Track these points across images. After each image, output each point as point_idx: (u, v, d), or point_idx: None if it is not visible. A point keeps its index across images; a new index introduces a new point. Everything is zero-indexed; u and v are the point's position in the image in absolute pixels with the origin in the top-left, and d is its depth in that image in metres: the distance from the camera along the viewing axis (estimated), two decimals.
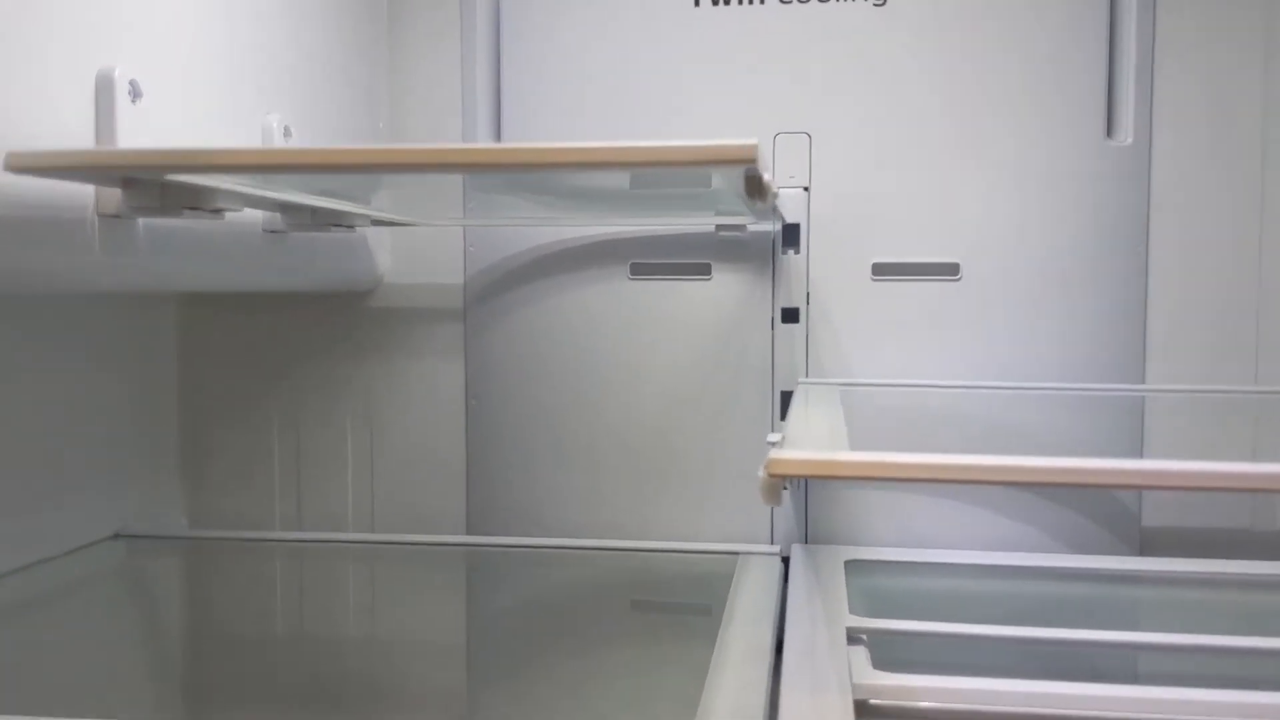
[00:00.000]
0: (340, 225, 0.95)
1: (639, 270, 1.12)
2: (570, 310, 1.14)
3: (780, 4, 1.08)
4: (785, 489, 1.10)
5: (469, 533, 1.17)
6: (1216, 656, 0.80)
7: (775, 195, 0.81)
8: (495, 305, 1.15)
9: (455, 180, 1.01)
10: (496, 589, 1.01)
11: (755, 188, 0.59)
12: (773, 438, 0.77)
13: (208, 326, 1.22)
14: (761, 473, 0.63)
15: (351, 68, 1.10)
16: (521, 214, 1.17)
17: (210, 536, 1.16)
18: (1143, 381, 1.07)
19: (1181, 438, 1.05)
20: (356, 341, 1.20)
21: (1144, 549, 1.08)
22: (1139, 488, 1.05)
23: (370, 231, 1.14)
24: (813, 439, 0.65)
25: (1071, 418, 1.06)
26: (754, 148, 0.55)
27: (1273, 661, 0.80)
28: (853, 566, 1.01)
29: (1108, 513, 1.08)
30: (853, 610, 0.86)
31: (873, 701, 0.69)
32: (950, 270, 1.08)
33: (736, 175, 0.58)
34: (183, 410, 1.23)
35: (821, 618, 0.84)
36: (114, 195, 0.68)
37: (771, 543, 1.10)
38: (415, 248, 1.18)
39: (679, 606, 1.07)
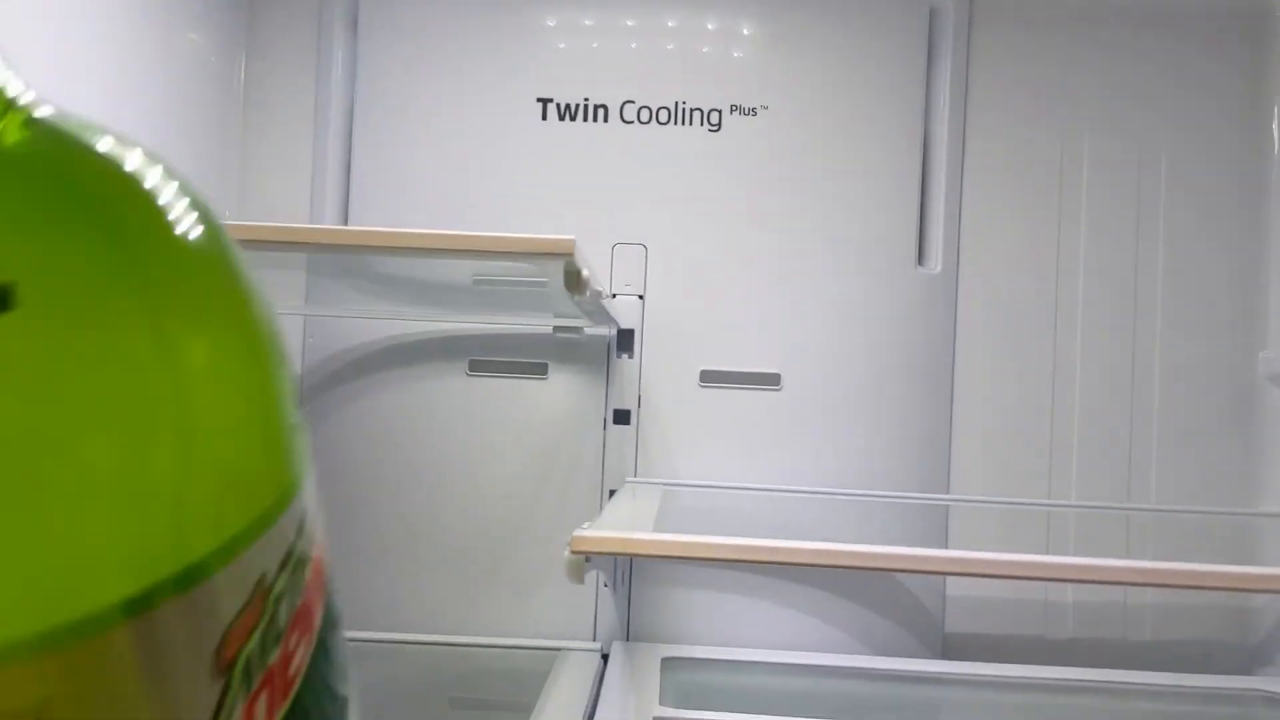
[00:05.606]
0: None
1: (477, 367, 1.15)
2: (408, 404, 1.15)
3: (623, 123, 1.15)
4: (606, 580, 1.12)
5: None
6: None
7: (599, 294, 0.85)
8: (333, 397, 1.15)
9: (298, 267, 1.03)
10: None
11: (574, 282, 0.63)
12: (585, 526, 0.79)
13: None
14: (567, 550, 0.65)
15: (203, 153, 1.11)
16: (364, 307, 1.19)
17: None
18: (947, 491, 1.14)
19: (980, 543, 1.12)
20: None
21: (946, 654, 1.13)
22: (940, 574, 1.11)
23: None
24: (619, 524, 0.68)
25: (882, 522, 1.12)
26: (571, 242, 0.59)
27: None
28: (669, 663, 1.03)
29: (913, 619, 1.13)
30: (663, 702, 0.88)
31: None
32: (772, 380, 1.14)
33: (557, 270, 0.62)
34: None
35: (632, 709, 0.85)
36: None
37: (594, 640, 1.12)
38: None
39: (495, 703, 1.07)
